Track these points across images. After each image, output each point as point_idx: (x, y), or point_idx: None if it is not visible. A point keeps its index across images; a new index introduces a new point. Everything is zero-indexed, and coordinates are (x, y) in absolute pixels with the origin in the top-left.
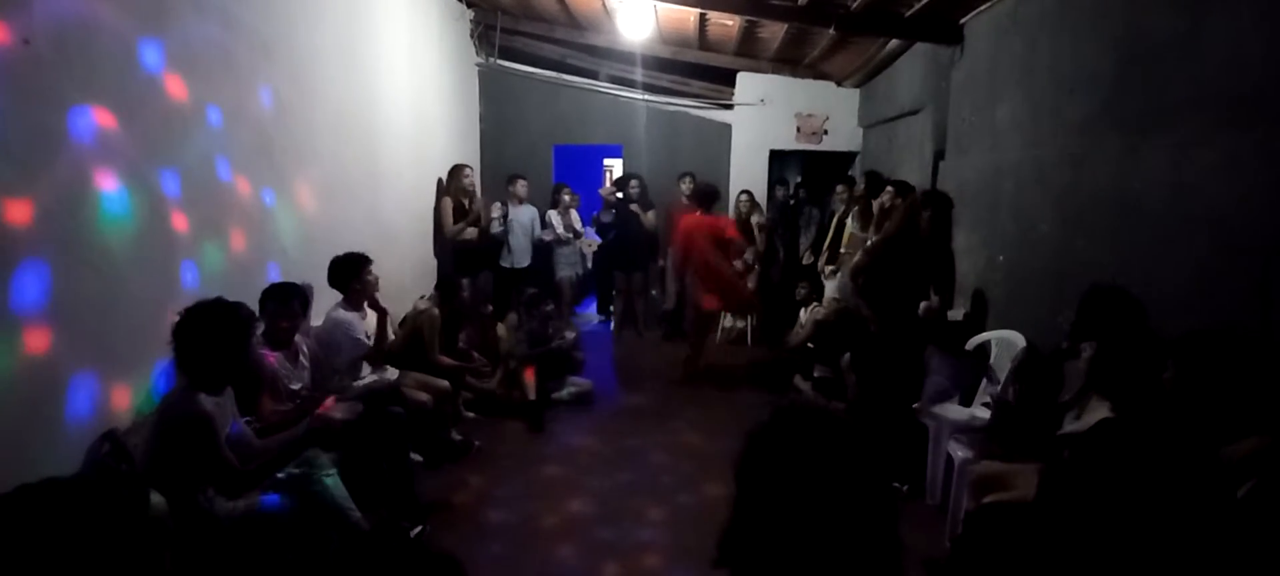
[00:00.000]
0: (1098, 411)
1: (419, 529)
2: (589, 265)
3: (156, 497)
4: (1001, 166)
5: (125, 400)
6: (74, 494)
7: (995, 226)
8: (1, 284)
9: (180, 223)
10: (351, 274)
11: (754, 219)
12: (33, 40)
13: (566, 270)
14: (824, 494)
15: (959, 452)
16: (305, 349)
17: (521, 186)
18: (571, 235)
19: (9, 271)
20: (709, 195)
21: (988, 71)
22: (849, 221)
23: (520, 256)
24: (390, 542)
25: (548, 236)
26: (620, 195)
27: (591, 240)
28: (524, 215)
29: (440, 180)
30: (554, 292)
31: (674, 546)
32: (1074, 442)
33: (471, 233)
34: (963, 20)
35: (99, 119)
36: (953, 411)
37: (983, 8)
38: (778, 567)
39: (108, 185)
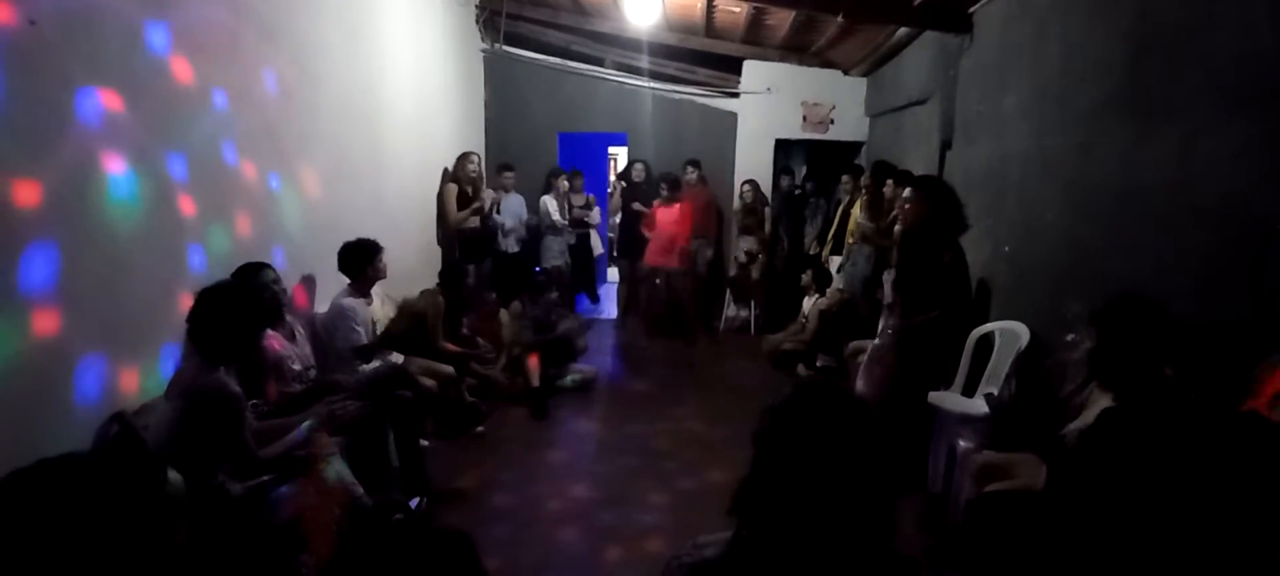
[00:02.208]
0: (1100, 403)
1: (420, 500)
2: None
3: (174, 475)
4: (1008, 155)
5: (133, 382)
6: (92, 468)
7: (1001, 216)
8: (10, 265)
9: (187, 206)
10: (366, 260)
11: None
12: (39, 21)
13: (557, 259)
14: (833, 463)
15: (961, 442)
16: (300, 328)
17: (509, 177)
18: (565, 223)
19: (17, 253)
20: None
21: (997, 60)
22: (855, 210)
23: (511, 243)
24: (395, 516)
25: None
26: (624, 184)
27: (594, 219)
28: (513, 203)
29: (446, 168)
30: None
31: (676, 530)
32: (1079, 432)
33: (475, 220)
34: (972, 9)
35: (106, 101)
36: (954, 401)
37: None
38: (783, 523)
39: (115, 168)
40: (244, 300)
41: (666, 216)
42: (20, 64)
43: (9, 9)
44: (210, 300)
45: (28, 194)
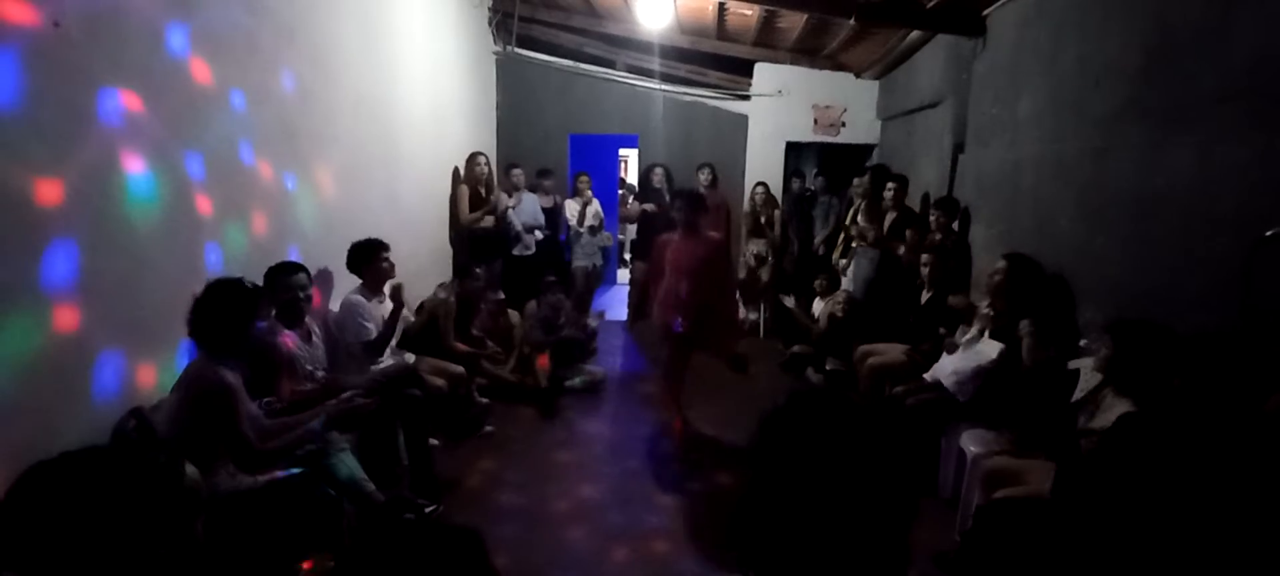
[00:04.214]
0: (1115, 409)
1: (434, 507)
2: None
3: (191, 468)
4: (1022, 160)
5: (150, 378)
6: (112, 462)
7: (1014, 221)
8: (32, 262)
9: (204, 205)
10: (367, 258)
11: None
12: (64, 23)
13: (583, 260)
14: (835, 481)
15: (971, 447)
16: (317, 328)
17: (517, 175)
18: (585, 229)
19: (40, 250)
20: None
21: (1010, 63)
22: (858, 216)
23: (529, 244)
24: (406, 515)
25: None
26: (635, 193)
27: (608, 234)
28: (528, 202)
29: (457, 169)
30: (567, 281)
31: (683, 532)
32: (1095, 437)
33: (488, 221)
34: (986, 11)
35: (127, 101)
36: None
37: None
38: (786, 552)
39: (135, 167)
40: (238, 296)
41: (687, 255)
42: (45, 65)
43: (35, 11)
44: (207, 295)
45: (50, 192)
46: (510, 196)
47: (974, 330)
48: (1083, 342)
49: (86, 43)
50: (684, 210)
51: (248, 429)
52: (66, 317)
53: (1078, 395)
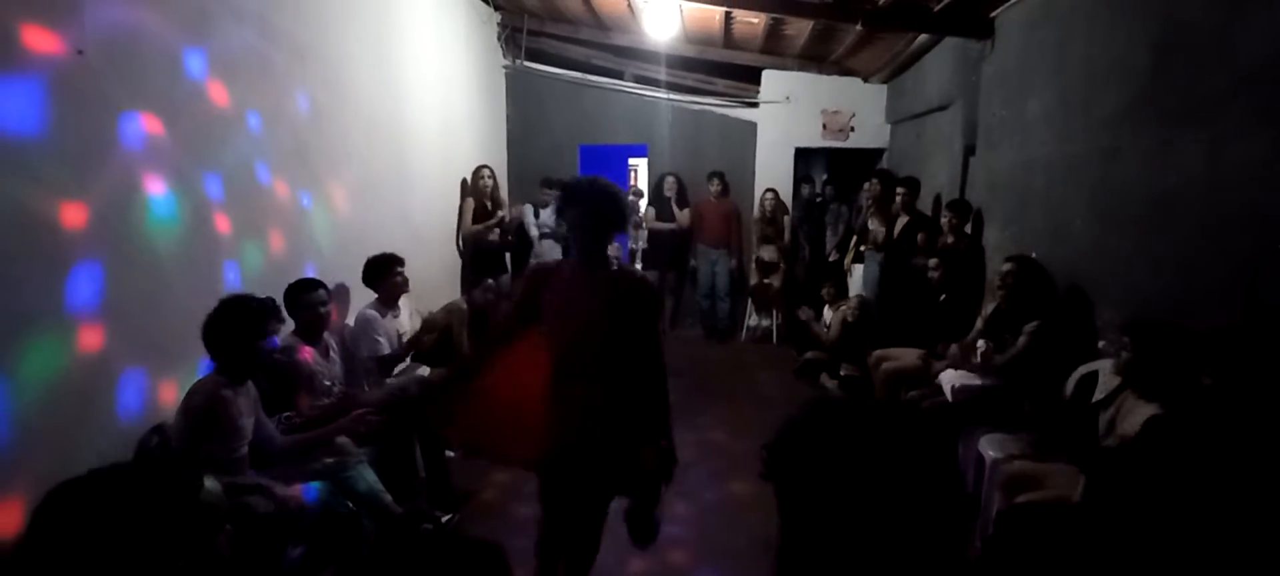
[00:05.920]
0: (1140, 412)
1: (451, 516)
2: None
3: (212, 483)
4: (1033, 161)
5: (172, 395)
6: (135, 478)
7: (1026, 223)
8: (58, 284)
9: (223, 224)
10: (381, 272)
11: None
12: (86, 51)
13: None
14: (879, 495)
15: (990, 451)
16: (335, 344)
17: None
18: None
19: (65, 272)
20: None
21: (1019, 65)
22: (869, 220)
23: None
24: (424, 526)
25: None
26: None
27: (617, 244)
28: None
29: (464, 180)
30: None
31: (700, 542)
32: (1124, 440)
33: (494, 235)
34: (993, 14)
35: (147, 125)
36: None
37: (1014, 0)
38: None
39: (156, 189)
40: (241, 313)
41: (579, 304)
42: (68, 92)
43: (59, 39)
44: (214, 313)
45: (75, 216)
46: (525, 209)
47: (978, 347)
48: (1100, 344)
49: (108, 69)
50: (578, 223)
51: (228, 435)
52: (91, 338)
53: (1098, 397)
